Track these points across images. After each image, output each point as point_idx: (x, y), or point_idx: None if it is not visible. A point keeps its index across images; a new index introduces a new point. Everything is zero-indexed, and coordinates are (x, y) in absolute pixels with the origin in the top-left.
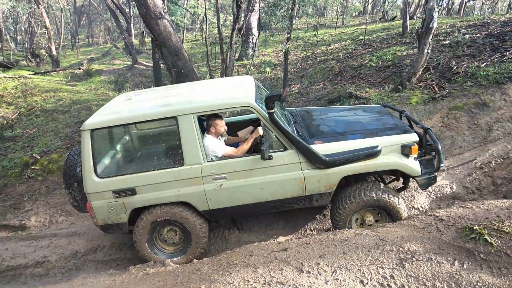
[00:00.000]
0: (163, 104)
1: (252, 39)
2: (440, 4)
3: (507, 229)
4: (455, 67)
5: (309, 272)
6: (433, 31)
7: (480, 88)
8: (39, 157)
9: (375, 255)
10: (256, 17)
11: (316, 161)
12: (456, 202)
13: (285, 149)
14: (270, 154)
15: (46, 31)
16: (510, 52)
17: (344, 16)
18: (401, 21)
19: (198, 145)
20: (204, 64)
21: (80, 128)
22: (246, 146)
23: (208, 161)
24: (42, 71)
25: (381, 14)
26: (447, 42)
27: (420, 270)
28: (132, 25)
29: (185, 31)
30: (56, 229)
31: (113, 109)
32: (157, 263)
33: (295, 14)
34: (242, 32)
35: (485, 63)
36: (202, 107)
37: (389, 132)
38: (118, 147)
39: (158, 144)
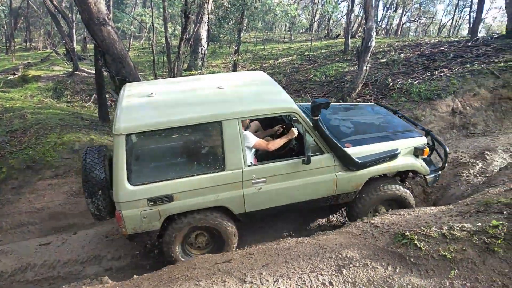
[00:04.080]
0: (199, 105)
1: (201, 50)
2: (380, 24)
3: (434, 234)
4: (391, 84)
5: (252, 282)
6: (371, 49)
7: (413, 104)
8: None
9: (315, 263)
10: (205, 28)
11: (351, 164)
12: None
13: (321, 153)
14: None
15: None
16: (439, 71)
17: (292, 32)
18: (344, 39)
19: (241, 150)
20: (151, 73)
21: (113, 132)
22: (279, 142)
23: (248, 165)
24: None
25: (325, 31)
26: (384, 60)
27: (356, 276)
28: (74, 30)
29: (131, 39)
30: None
31: (138, 109)
32: (94, 281)
33: (243, 27)
34: (191, 43)
35: (417, 81)
36: (248, 112)
37: (404, 135)
38: (152, 152)
39: (195, 148)
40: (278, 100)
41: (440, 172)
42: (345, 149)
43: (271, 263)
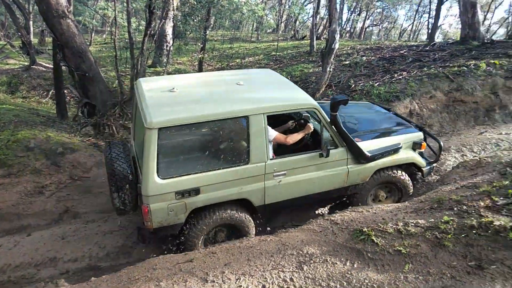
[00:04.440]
0: (226, 101)
1: (167, 46)
2: (344, 27)
3: (390, 230)
4: (353, 85)
5: (214, 281)
6: (335, 51)
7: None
8: None
9: (277, 260)
10: (170, 25)
11: (362, 157)
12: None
13: (336, 147)
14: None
15: None
16: (398, 74)
17: (259, 32)
18: (309, 40)
19: (265, 144)
20: (113, 68)
21: (146, 126)
22: (297, 136)
23: (270, 159)
24: None
25: (292, 32)
26: (347, 62)
27: (316, 272)
28: (31, 22)
29: (93, 33)
30: None
31: (165, 103)
32: (49, 284)
33: (210, 25)
34: (155, 39)
35: (378, 83)
36: (273, 107)
37: (403, 131)
38: (181, 146)
39: (222, 142)
40: (299, 97)
41: (434, 164)
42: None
43: (233, 261)
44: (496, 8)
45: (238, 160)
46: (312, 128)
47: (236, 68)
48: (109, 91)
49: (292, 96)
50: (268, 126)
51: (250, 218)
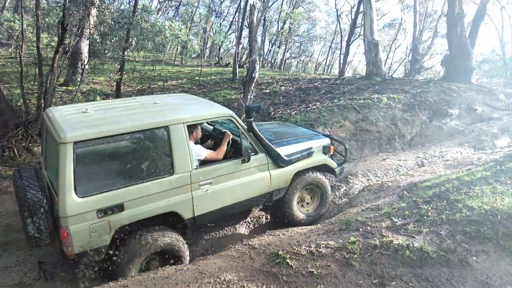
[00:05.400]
0: (144, 114)
1: (81, 64)
2: (265, 57)
3: (303, 252)
4: (272, 113)
5: None
6: (255, 80)
7: None
8: None
9: None
10: (86, 43)
11: (281, 161)
12: (268, 231)
13: (256, 153)
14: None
15: None
16: (313, 104)
17: (183, 56)
18: (232, 68)
19: (188, 153)
20: (18, 85)
21: (59, 141)
22: (223, 147)
23: (195, 168)
24: None
25: (216, 59)
26: (267, 91)
27: None
28: None
29: None
30: None
31: (80, 121)
32: None
33: (129, 45)
34: (68, 56)
35: (295, 112)
36: (193, 117)
37: (313, 138)
38: (100, 161)
39: (143, 155)
40: (216, 107)
41: (344, 165)
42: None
43: None
44: (396, 48)
45: (162, 172)
46: (231, 135)
47: (158, 91)
48: (12, 110)
49: (209, 108)
50: (199, 146)
51: (182, 239)
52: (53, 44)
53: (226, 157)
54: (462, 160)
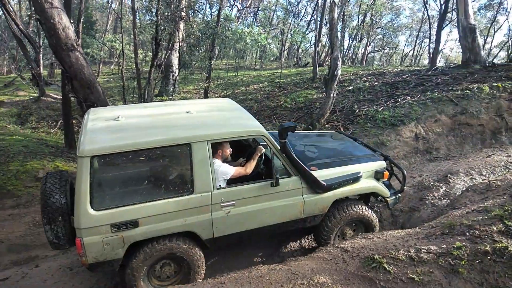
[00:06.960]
0: (168, 128)
1: (173, 76)
2: (346, 54)
3: (402, 257)
4: (357, 110)
5: None
6: (337, 78)
7: (379, 129)
8: None
9: None
10: (176, 55)
11: (317, 186)
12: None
13: (289, 175)
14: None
15: None
16: (402, 98)
17: (263, 60)
18: (312, 67)
19: (210, 172)
20: (120, 98)
21: (78, 154)
22: (253, 163)
23: (217, 188)
24: None
25: (295, 60)
26: (351, 88)
27: None
28: (41, 55)
29: (101, 64)
30: None
31: (104, 131)
32: None
33: (215, 55)
34: (161, 68)
35: (382, 108)
36: (217, 135)
37: (365, 160)
38: (117, 175)
39: (162, 171)
40: (247, 124)
41: (399, 194)
42: (312, 172)
43: None
44: (495, 32)
45: (181, 190)
46: (263, 149)
47: (241, 96)
48: None
49: (239, 124)
50: (226, 164)
51: (200, 253)
52: (147, 58)
53: (257, 176)
54: None
